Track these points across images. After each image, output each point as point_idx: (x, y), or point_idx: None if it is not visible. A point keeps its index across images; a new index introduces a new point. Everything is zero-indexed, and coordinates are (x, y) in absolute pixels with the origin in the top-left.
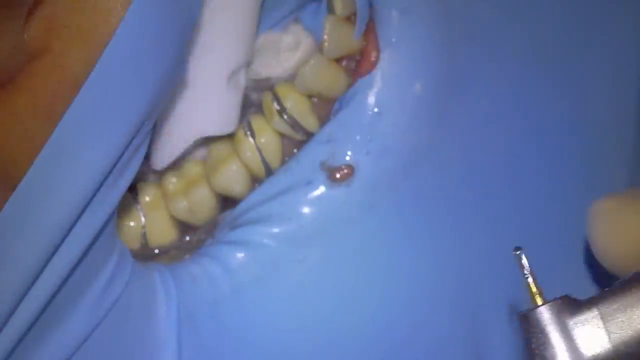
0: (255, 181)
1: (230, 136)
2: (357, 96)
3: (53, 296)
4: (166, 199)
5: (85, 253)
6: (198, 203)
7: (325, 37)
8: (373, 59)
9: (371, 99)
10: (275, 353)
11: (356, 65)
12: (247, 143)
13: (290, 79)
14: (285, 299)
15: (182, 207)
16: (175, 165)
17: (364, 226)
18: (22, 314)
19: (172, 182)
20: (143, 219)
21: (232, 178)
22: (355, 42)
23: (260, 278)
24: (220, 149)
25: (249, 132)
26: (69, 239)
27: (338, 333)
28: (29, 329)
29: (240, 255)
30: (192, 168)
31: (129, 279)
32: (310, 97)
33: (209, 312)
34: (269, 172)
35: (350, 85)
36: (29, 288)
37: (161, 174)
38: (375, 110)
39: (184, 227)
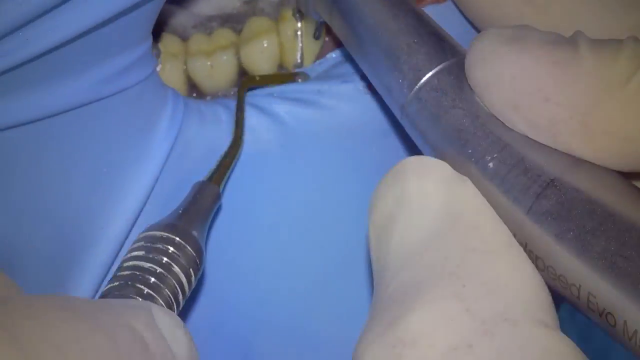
0: (281, 67)
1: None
2: None
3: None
4: (188, 55)
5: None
6: (219, 67)
7: None
8: None
9: None
10: None
11: None
12: (292, 23)
13: None
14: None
15: (201, 67)
16: (208, 30)
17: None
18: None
19: (200, 41)
20: (158, 67)
21: (262, 52)
22: None
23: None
24: (260, 24)
25: (297, 15)
26: None
27: None
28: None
29: (256, 118)
30: (224, 34)
31: (144, 79)
32: None
33: (203, 148)
34: (299, 64)
35: None
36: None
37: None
38: None
39: (193, 90)
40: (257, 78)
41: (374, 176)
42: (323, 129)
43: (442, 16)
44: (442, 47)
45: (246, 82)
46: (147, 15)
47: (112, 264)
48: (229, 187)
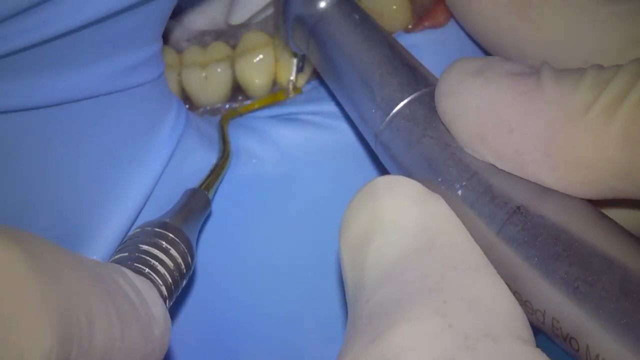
0: (275, 83)
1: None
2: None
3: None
4: (183, 66)
5: None
6: (213, 78)
7: None
8: (442, 19)
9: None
10: None
11: (423, 14)
12: None
13: None
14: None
15: (195, 78)
16: (202, 44)
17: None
18: None
19: (195, 53)
20: None
21: (257, 65)
22: None
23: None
24: (256, 37)
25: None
26: None
27: None
28: None
29: (251, 140)
30: (220, 48)
31: (152, 80)
32: None
33: (199, 159)
34: (293, 80)
35: (408, 29)
36: None
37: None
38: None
39: (186, 102)
40: (240, 109)
41: None
42: (316, 147)
43: (438, 41)
44: (414, 77)
45: (228, 114)
46: (159, 13)
47: (109, 260)
48: (222, 204)
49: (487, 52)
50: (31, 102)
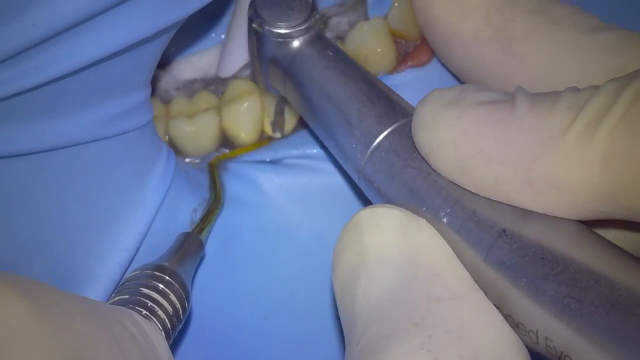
0: (261, 134)
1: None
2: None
3: None
4: (169, 117)
5: None
6: (200, 128)
7: (395, 4)
8: (425, 58)
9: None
10: None
11: (407, 55)
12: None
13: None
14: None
15: (182, 128)
16: (190, 94)
17: None
18: None
19: (181, 103)
20: None
21: (243, 113)
22: (416, 30)
23: (241, 204)
24: (241, 86)
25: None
26: None
27: None
28: None
29: (238, 185)
30: (206, 97)
31: (142, 126)
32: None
33: (191, 201)
34: (280, 128)
35: (393, 69)
36: None
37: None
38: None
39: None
40: (228, 152)
41: None
42: (301, 190)
43: (421, 79)
44: (391, 108)
45: (215, 160)
46: (149, 58)
47: (108, 302)
48: (211, 248)
49: None
50: (21, 148)
